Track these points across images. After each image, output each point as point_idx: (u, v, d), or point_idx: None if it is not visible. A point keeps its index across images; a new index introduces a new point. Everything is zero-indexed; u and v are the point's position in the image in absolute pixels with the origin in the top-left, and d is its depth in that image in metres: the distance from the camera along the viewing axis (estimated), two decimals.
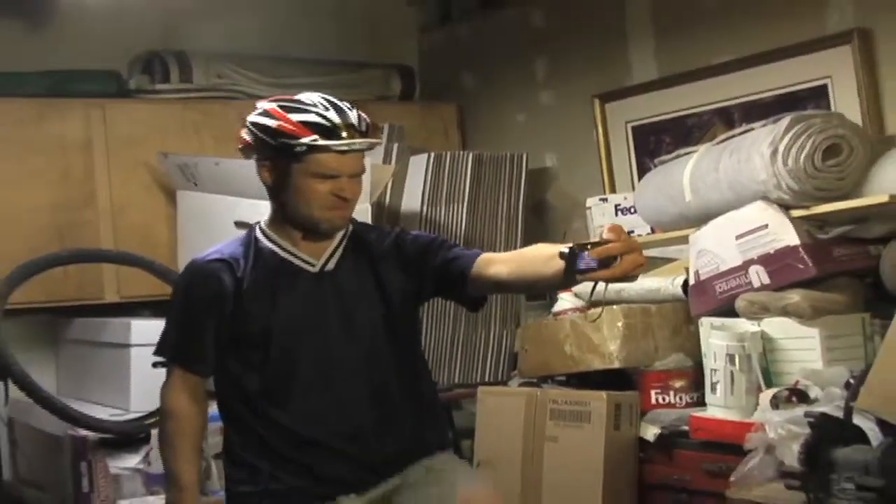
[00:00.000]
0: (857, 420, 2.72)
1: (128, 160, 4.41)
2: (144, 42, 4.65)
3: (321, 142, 2.63)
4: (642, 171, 4.21)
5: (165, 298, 3.99)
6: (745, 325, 3.30)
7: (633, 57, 4.35)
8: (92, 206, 4.36)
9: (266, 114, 2.69)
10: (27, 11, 4.48)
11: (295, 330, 2.70)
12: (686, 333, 3.60)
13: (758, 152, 3.31)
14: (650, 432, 3.39)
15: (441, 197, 4.32)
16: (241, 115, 4.47)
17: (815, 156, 3.23)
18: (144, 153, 4.41)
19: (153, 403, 3.90)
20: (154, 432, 3.96)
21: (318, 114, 2.65)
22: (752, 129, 3.48)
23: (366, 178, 3.99)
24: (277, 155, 2.69)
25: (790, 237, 3.26)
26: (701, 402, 3.40)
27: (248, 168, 4.06)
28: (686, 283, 3.60)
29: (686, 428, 3.31)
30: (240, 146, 2.79)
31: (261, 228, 2.80)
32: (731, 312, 3.36)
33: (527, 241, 4.40)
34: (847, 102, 3.59)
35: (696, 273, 3.52)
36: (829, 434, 2.68)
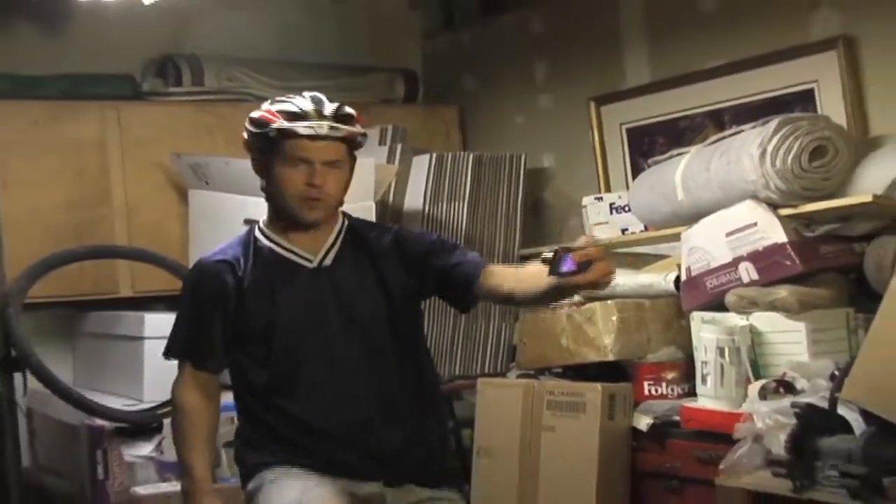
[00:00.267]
0: (842, 410, 2.72)
1: (141, 160, 4.41)
2: (158, 47, 4.65)
3: (286, 124, 2.64)
4: (636, 171, 4.21)
5: (177, 293, 4.01)
6: (734, 320, 3.30)
7: (628, 62, 4.35)
8: (107, 204, 4.36)
9: (257, 110, 2.73)
10: (45, 16, 4.47)
11: (296, 325, 2.70)
12: (678, 327, 3.60)
13: (747, 153, 3.31)
14: (643, 422, 3.39)
15: (443, 196, 4.32)
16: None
17: (802, 157, 3.23)
18: (157, 153, 4.41)
19: (166, 394, 3.89)
20: (166, 422, 3.96)
21: (293, 103, 2.68)
22: (742, 130, 3.48)
23: (369, 178, 4.04)
24: (260, 146, 2.71)
25: (778, 235, 3.26)
26: (692, 393, 3.40)
27: None
28: (678, 278, 3.60)
29: (677, 418, 3.31)
30: (243, 145, 2.81)
31: (259, 227, 2.80)
32: (721, 307, 3.36)
33: (525, 238, 4.43)
34: (832, 106, 3.60)
35: (688, 269, 3.52)
36: (814, 424, 2.69)
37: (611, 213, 4.20)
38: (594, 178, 4.43)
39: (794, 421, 2.72)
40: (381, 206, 4.30)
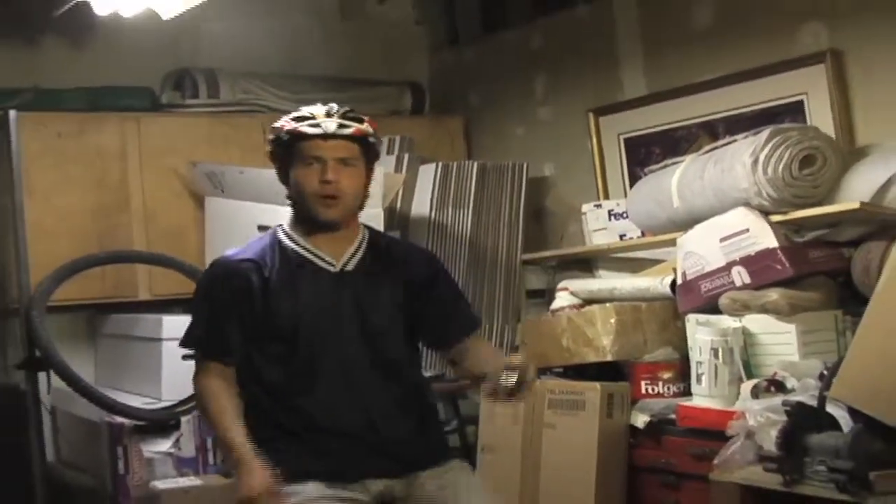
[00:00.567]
0: (830, 408, 2.72)
1: (160, 169, 4.41)
2: (176, 61, 4.66)
3: (296, 125, 2.69)
4: (633, 179, 4.21)
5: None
6: (727, 322, 3.30)
7: (625, 75, 4.35)
8: (127, 211, 4.36)
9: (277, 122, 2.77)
10: (68, 33, 4.49)
11: (317, 325, 2.69)
12: (673, 329, 3.60)
13: (740, 162, 3.31)
14: (640, 420, 3.39)
15: (448, 203, 4.32)
16: (264, 127, 4.56)
17: (793, 166, 3.24)
18: (175, 162, 4.42)
19: (183, 393, 3.94)
20: (184, 419, 3.98)
21: (307, 110, 2.72)
22: (735, 140, 3.49)
23: (378, 185, 4.04)
24: (279, 154, 2.74)
25: (769, 240, 3.26)
26: (687, 392, 3.41)
27: (269, 176, 4.09)
28: (674, 282, 3.61)
29: (673, 416, 3.32)
30: (268, 157, 2.83)
31: (283, 230, 2.80)
32: (715, 310, 3.36)
33: (527, 243, 4.43)
34: (821, 117, 3.59)
35: (683, 273, 3.52)
36: (804, 421, 2.69)
37: (609, 219, 4.20)
38: (593, 186, 4.43)
39: (784, 418, 2.73)
40: (390, 212, 4.31)
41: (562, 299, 3.98)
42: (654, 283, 3.72)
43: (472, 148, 5.06)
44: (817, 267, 3.26)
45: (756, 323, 3.26)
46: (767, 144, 3.26)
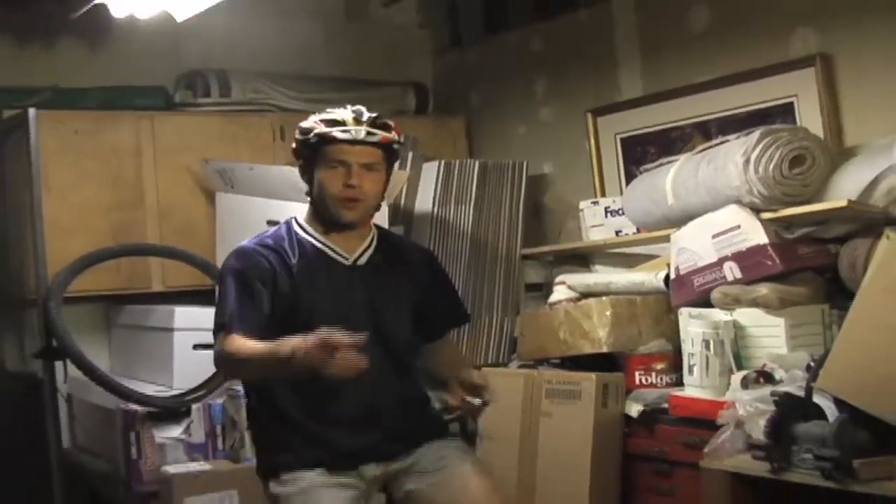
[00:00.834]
0: (817, 399, 2.72)
1: (173, 166, 4.41)
2: (189, 62, 4.66)
3: (326, 129, 2.68)
4: (629, 177, 4.21)
5: (205, 288, 4.05)
6: (719, 315, 3.31)
7: (622, 77, 4.35)
8: (141, 206, 4.36)
9: (306, 121, 2.76)
10: (86, 34, 4.49)
11: (332, 314, 2.67)
12: (667, 322, 3.61)
13: (732, 161, 3.31)
14: (634, 409, 3.40)
15: (450, 199, 4.32)
16: (274, 126, 4.57)
17: (783, 165, 3.24)
18: (188, 159, 4.42)
19: (194, 381, 3.96)
20: (195, 406, 3.98)
21: (335, 113, 2.72)
22: (728, 140, 3.49)
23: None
24: (305, 153, 2.74)
25: (760, 237, 3.26)
26: (679, 383, 3.42)
27: (278, 173, 4.11)
28: (667, 277, 3.61)
29: (666, 405, 3.33)
30: (292, 152, 2.84)
31: (297, 223, 2.81)
32: (707, 303, 3.37)
33: (527, 238, 4.43)
34: (811, 118, 3.59)
35: (677, 268, 3.52)
36: (791, 411, 2.69)
37: (606, 216, 4.19)
38: (590, 184, 4.43)
39: (772, 408, 2.73)
40: (394, 208, 4.31)
41: (559, 293, 3.98)
42: (649, 277, 3.72)
43: (474, 147, 5.06)
44: (805, 263, 3.26)
45: (746, 316, 3.26)
46: (759, 144, 3.26)
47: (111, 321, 4.61)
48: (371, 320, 2.72)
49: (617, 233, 4.16)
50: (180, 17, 3.91)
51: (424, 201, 4.36)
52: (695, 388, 3.26)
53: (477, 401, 2.72)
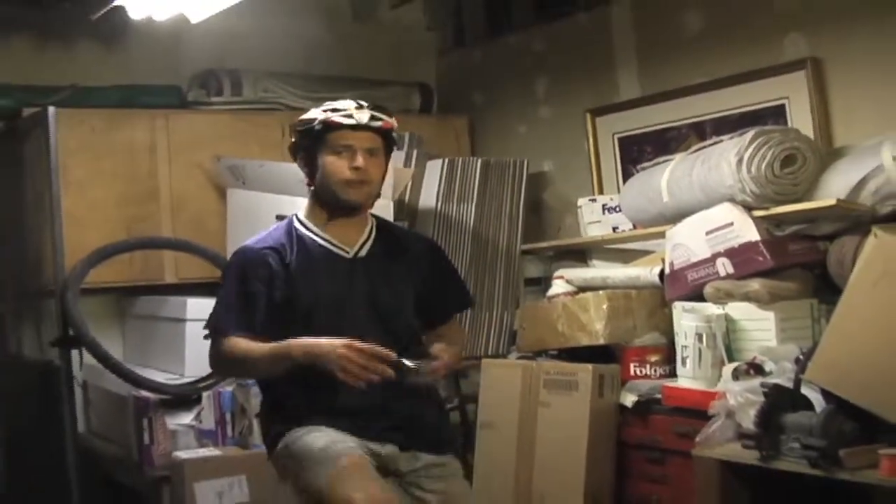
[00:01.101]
0: (805, 390, 2.73)
1: (186, 162, 4.41)
2: (202, 62, 4.66)
3: (330, 115, 2.71)
4: (626, 175, 4.21)
5: (216, 280, 4.04)
6: (711, 309, 3.30)
7: (620, 78, 4.35)
8: (155, 201, 4.36)
9: (306, 114, 2.79)
10: (103, 35, 4.50)
11: (333, 307, 2.70)
12: (661, 315, 3.60)
13: (725, 161, 3.31)
14: (629, 399, 3.40)
15: (453, 196, 4.33)
16: (283, 124, 4.58)
17: (774, 164, 3.24)
18: (200, 156, 4.42)
19: (205, 370, 3.95)
20: (206, 394, 3.99)
21: (337, 103, 2.76)
22: (721, 141, 3.48)
23: (388, 179, 4.04)
24: (307, 142, 2.75)
25: (752, 234, 3.26)
26: (672, 374, 3.41)
27: (287, 170, 4.12)
28: (662, 272, 3.61)
29: (659, 396, 3.33)
30: (288, 148, 2.84)
31: (298, 219, 2.82)
32: (700, 298, 3.36)
33: (526, 234, 4.43)
34: (802, 119, 3.60)
35: (671, 264, 3.52)
36: (780, 402, 2.69)
37: (603, 212, 4.20)
38: (589, 182, 4.43)
39: (762, 399, 2.73)
40: (399, 204, 4.32)
41: (558, 287, 3.98)
42: (644, 272, 3.73)
43: (477, 145, 5.06)
44: (795, 259, 3.26)
45: (738, 310, 3.26)
46: (751, 145, 3.26)
47: (125, 311, 4.62)
48: (373, 310, 2.73)
49: (614, 229, 4.16)
50: (195, 18, 3.92)
51: (428, 198, 4.37)
52: (687, 379, 3.26)
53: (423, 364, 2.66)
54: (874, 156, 3.14)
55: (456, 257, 4.22)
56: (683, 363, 3.27)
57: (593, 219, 4.21)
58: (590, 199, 4.26)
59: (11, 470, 4.37)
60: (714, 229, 3.36)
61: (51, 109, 4.07)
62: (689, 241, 3.45)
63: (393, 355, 2.54)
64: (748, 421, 2.75)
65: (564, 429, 3.46)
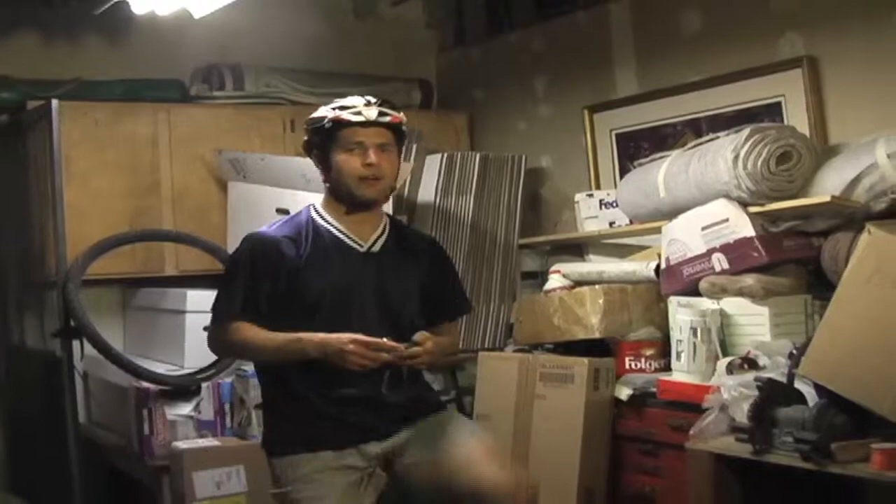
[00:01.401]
0: (798, 384, 2.73)
1: (188, 155, 4.40)
2: (204, 56, 4.64)
3: (339, 113, 2.70)
4: (623, 171, 4.20)
5: (216, 272, 4.05)
6: (706, 304, 3.30)
7: (618, 75, 4.34)
8: (156, 193, 4.35)
9: (316, 112, 2.78)
10: (108, 29, 4.49)
11: (343, 299, 2.70)
12: (656, 310, 3.60)
13: (721, 157, 3.31)
14: (624, 393, 3.40)
15: (452, 190, 4.32)
16: (284, 118, 4.56)
17: (770, 161, 3.23)
18: (202, 150, 4.41)
19: (204, 361, 3.95)
20: (205, 385, 3.99)
21: (347, 101, 2.74)
22: (717, 137, 3.48)
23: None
24: (319, 140, 2.75)
25: (747, 230, 3.26)
26: (667, 368, 3.41)
27: (288, 163, 4.11)
28: (658, 267, 3.61)
29: (654, 389, 3.32)
30: (302, 146, 2.84)
31: (315, 210, 2.81)
32: (695, 292, 3.37)
33: (524, 228, 4.43)
34: (797, 117, 3.58)
35: (667, 259, 3.52)
36: (773, 396, 2.70)
37: (600, 208, 4.19)
38: (586, 177, 4.42)
39: (756, 393, 2.74)
40: (398, 198, 4.31)
41: (554, 281, 3.98)
42: (640, 267, 3.72)
43: (476, 140, 5.05)
44: (790, 255, 3.25)
45: (732, 305, 3.26)
46: (747, 142, 3.25)
47: (126, 303, 4.61)
48: (381, 304, 2.73)
49: (610, 224, 4.15)
50: (198, 13, 3.91)
51: (427, 192, 4.36)
52: (682, 373, 3.26)
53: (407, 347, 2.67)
54: (868, 153, 3.14)
55: (454, 251, 4.21)
56: (678, 357, 3.27)
57: (590, 214, 4.21)
58: (587, 195, 4.25)
59: (14, 458, 4.37)
60: (709, 225, 3.36)
61: (54, 102, 4.06)
62: (684, 237, 3.45)
63: (400, 347, 2.61)
64: (741, 414, 2.75)
65: (560, 421, 3.45)
